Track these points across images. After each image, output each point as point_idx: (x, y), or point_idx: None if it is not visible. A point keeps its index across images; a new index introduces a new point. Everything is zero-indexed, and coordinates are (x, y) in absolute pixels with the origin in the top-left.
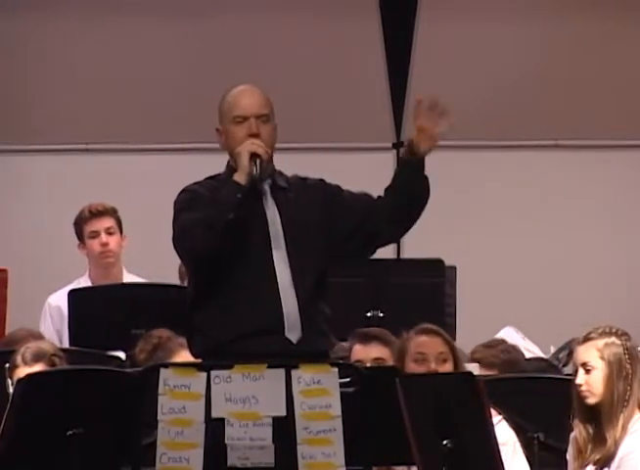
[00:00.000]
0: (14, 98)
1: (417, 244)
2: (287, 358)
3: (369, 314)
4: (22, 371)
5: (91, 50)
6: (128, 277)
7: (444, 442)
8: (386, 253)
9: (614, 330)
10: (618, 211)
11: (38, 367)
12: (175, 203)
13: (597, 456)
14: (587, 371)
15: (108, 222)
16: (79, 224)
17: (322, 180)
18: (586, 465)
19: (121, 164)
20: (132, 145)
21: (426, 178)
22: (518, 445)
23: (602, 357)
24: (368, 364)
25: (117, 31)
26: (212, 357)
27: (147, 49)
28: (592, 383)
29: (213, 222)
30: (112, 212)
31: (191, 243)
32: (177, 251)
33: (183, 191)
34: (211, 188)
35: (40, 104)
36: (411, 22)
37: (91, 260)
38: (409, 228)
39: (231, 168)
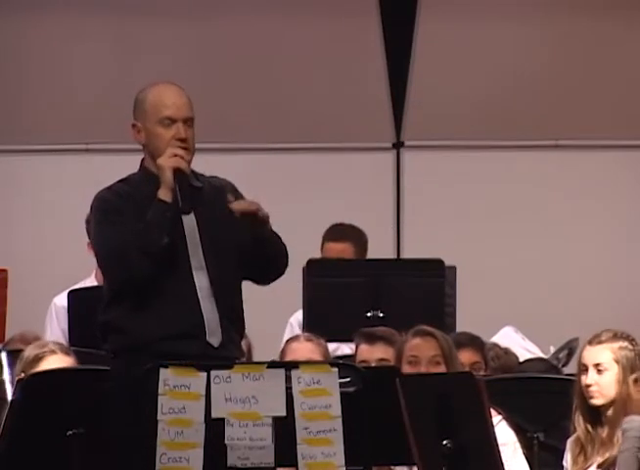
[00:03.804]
0: (14, 98)
1: (417, 244)
2: (209, 361)
3: (369, 314)
4: (59, 359)
5: (91, 50)
6: None
7: (444, 442)
8: (386, 253)
9: (624, 335)
10: (618, 211)
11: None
12: (92, 210)
13: (601, 458)
14: (599, 372)
15: None
16: None
17: (231, 183)
18: (589, 467)
19: (121, 163)
20: (132, 145)
21: (277, 241)
22: (518, 445)
23: (616, 360)
24: (373, 364)
25: (118, 31)
26: (132, 356)
27: (146, 49)
28: (603, 384)
29: (148, 248)
30: None
31: (127, 270)
32: (106, 274)
33: (98, 199)
34: (126, 195)
35: (40, 104)
36: (411, 21)
37: None
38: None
39: (146, 170)
